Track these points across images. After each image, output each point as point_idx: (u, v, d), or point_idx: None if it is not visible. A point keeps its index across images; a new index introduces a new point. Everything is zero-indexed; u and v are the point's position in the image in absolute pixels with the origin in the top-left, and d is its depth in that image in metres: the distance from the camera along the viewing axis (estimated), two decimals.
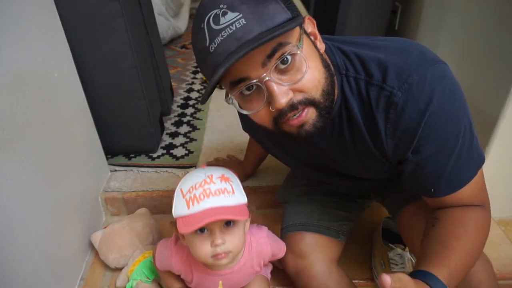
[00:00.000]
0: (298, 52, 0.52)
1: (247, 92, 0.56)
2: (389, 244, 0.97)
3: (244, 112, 0.58)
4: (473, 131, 0.61)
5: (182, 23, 2.41)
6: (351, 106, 0.63)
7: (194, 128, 1.50)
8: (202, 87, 1.80)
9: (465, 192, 0.63)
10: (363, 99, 0.61)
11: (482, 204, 0.65)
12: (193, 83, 1.86)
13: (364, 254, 1.06)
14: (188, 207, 0.67)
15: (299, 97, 0.55)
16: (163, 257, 0.84)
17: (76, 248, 1.04)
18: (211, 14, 0.51)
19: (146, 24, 1.33)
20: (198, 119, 1.56)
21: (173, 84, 1.74)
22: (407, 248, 0.95)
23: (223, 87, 0.59)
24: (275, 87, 0.53)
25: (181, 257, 0.81)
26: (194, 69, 2.00)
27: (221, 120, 1.53)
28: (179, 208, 0.69)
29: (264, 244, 0.83)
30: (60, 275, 0.96)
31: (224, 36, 0.50)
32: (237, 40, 0.49)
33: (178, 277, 0.87)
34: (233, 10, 0.49)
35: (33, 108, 0.83)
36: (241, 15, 0.49)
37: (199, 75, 1.92)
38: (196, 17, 0.54)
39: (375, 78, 0.59)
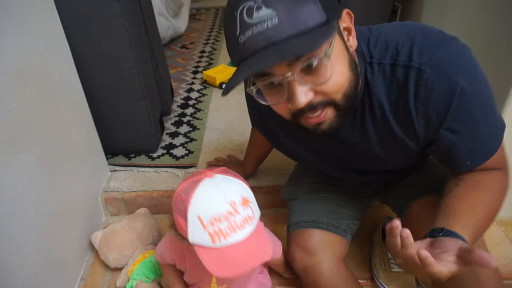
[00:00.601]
0: (326, 60, 0.52)
1: (270, 85, 0.56)
2: None
3: (264, 102, 0.59)
4: (494, 99, 0.62)
5: (182, 23, 2.41)
6: (374, 93, 0.63)
7: (194, 128, 1.50)
8: (202, 87, 1.80)
9: (493, 158, 0.64)
10: (389, 83, 0.61)
11: (504, 167, 0.67)
12: (193, 83, 1.86)
13: (364, 254, 1.06)
14: (213, 241, 0.64)
15: (319, 98, 0.56)
16: (161, 249, 0.86)
17: (76, 248, 1.04)
18: (246, 5, 0.50)
19: (146, 24, 1.33)
20: (198, 119, 1.56)
21: (173, 84, 1.75)
22: None
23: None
24: (296, 88, 0.54)
25: (175, 246, 0.81)
26: (194, 69, 2.00)
27: (221, 120, 1.53)
28: (200, 238, 0.65)
29: None
30: (60, 275, 0.96)
31: (254, 32, 0.49)
32: (266, 39, 0.49)
33: (180, 279, 0.88)
34: (268, 6, 0.48)
35: (33, 108, 0.84)
36: (275, 13, 0.48)
37: (199, 75, 1.92)
38: (231, 2, 0.53)
39: (400, 59, 0.59)
